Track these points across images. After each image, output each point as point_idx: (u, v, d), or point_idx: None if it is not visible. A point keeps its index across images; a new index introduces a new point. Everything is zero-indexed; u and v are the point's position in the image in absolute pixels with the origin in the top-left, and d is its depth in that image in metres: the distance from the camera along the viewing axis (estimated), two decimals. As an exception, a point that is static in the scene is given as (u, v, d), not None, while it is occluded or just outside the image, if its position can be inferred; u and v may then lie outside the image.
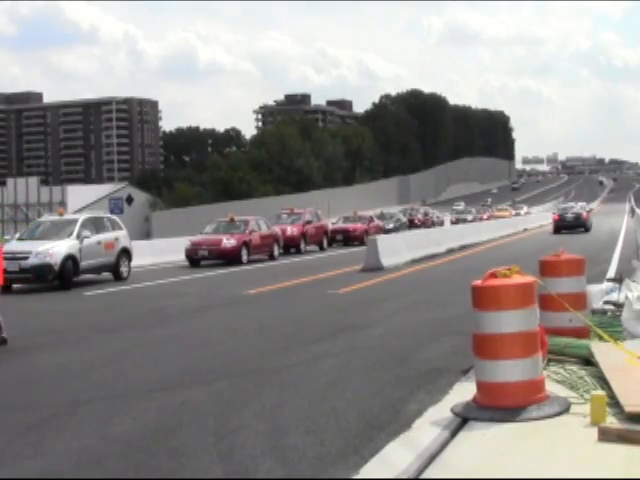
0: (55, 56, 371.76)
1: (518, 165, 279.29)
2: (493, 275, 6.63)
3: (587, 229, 46.70)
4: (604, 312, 10.47)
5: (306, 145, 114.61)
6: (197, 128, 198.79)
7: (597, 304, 10.70)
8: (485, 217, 74.00)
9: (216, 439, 6.57)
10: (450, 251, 32.08)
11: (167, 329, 13.61)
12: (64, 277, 21.51)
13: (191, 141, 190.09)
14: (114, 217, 26.68)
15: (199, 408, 7.67)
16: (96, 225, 23.69)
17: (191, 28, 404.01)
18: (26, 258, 21.28)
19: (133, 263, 25.29)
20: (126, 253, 24.47)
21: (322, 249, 38.36)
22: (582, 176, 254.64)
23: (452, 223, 64.48)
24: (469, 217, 71.87)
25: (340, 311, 14.84)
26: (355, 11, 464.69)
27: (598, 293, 11.05)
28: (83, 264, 22.30)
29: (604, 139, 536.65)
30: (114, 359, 10.80)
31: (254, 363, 10.08)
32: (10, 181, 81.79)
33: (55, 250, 21.50)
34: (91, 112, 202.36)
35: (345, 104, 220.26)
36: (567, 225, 46.63)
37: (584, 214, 48.88)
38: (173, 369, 9.83)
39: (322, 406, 7.52)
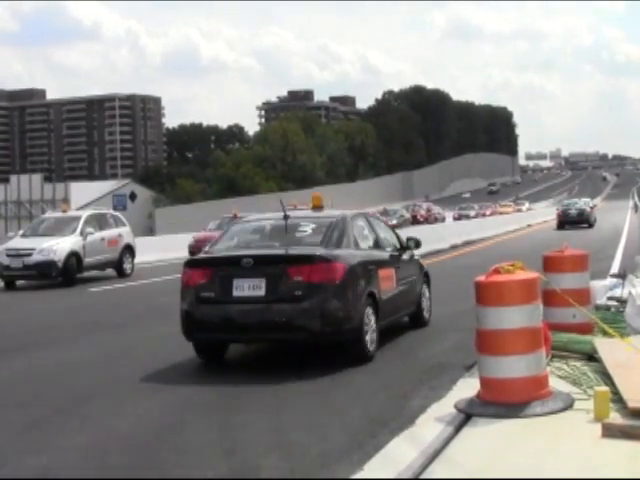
0: (58, 53, 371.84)
1: (521, 161, 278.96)
2: (496, 271, 6.62)
3: (591, 225, 46.84)
4: (607, 308, 10.46)
5: (309, 141, 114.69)
6: (200, 124, 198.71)
7: (600, 300, 10.69)
8: (488, 213, 74.10)
9: (220, 436, 6.57)
10: (454, 247, 32.06)
11: (170, 326, 13.57)
12: (68, 274, 21.52)
13: (194, 137, 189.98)
14: (117, 214, 26.71)
15: (203, 405, 7.68)
16: (99, 222, 23.70)
17: (193, 24, 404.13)
18: (30, 255, 21.29)
19: (137, 260, 25.29)
20: (129, 250, 24.48)
21: (325, 245, 38.29)
22: (585, 172, 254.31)
23: (455, 219, 64.51)
24: (472, 213, 71.98)
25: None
26: (356, 6, 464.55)
27: (601, 289, 11.04)
28: (86, 261, 22.31)
29: (607, 135, 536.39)
30: (117, 356, 10.81)
31: (256, 359, 10.09)
32: (13, 178, 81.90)
33: (59, 247, 21.51)
34: (94, 109, 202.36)
35: (348, 100, 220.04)
36: (571, 221, 46.78)
37: (588, 210, 49.06)
38: (176, 366, 9.83)
39: (325, 402, 7.53)
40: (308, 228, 10.01)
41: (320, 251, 9.28)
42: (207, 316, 9.34)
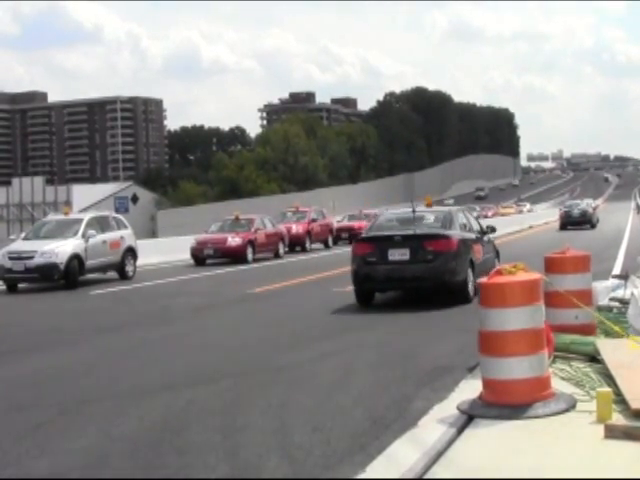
0: (59, 55, 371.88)
1: (523, 162, 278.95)
2: (499, 272, 6.62)
3: (593, 225, 47.43)
4: (609, 309, 10.45)
5: (311, 143, 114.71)
6: (202, 127, 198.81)
7: (603, 301, 10.69)
8: (490, 214, 74.13)
9: (222, 437, 6.57)
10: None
11: (172, 328, 13.63)
12: (70, 276, 21.53)
13: (196, 140, 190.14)
14: (119, 216, 26.70)
15: (205, 407, 7.67)
16: (101, 224, 23.70)
17: (194, 27, 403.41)
18: (32, 257, 21.30)
19: (139, 262, 25.30)
20: (131, 252, 24.48)
21: (327, 247, 38.36)
22: (587, 173, 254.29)
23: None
24: (474, 215, 72.01)
25: (346, 309, 14.84)
26: (357, 7, 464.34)
27: (604, 290, 11.03)
28: (88, 263, 22.31)
29: (609, 136, 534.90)
30: (119, 358, 10.81)
31: (259, 361, 10.09)
32: (15, 181, 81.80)
33: (61, 249, 21.52)
34: (96, 111, 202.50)
35: (350, 102, 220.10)
36: (573, 221, 47.47)
37: (590, 211, 49.78)
38: (179, 368, 9.84)
39: (328, 404, 7.52)
40: (430, 218, 15.55)
41: (442, 231, 14.71)
42: (371, 273, 14.52)
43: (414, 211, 15.23)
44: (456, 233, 14.78)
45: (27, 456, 6.30)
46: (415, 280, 14.25)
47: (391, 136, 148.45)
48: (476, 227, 16.40)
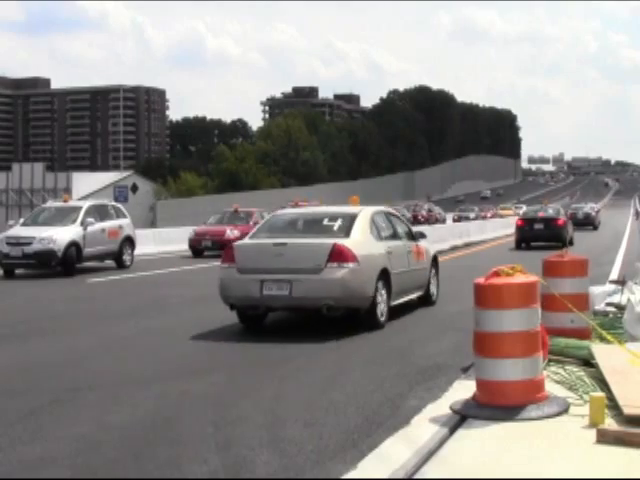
0: (64, 42, 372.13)
1: (524, 164, 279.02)
2: (496, 273, 6.61)
3: (595, 227, 52.04)
4: (606, 314, 10.45)
5: (312, 138, 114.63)
6: (204, 118, 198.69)
7: (599, 306, 10.69)
8: (489, 215, 74.11)
9: (214, 429, 6.57)
10: (454, 248, 32.04)
11: (168, 318, 13.63)
12: (67, 264, 21.51)
13: (197, 131, 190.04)
14: (118, 205, 26.67)
15: (198, 398, 7.67)
16: (100, 213, 23.68)
17: (199, 18, 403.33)
18: (29, 244, 21.29)
19: (136, 251, 25.28)
20: (129, 241, 24.46)
21: (325, 243, 38.23)
22: (587, 177, 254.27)
23: (454, 221, 64.55)
24: (472, 215, 72.03)
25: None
26: (362, 5, 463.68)
27: (600, 295, 11.03)
28: (86, 251, 22.30)
29: (611, 140, 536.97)
30: (115, 347, 10.81)
31: (255, 354, 10.09)
32: (15, 166, 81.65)
33: (59, 236, 21.50)
34: (98, 99, 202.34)
35: (352, 98, 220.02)
36: (578, 222, 50.43)
37: (593, 214, 54.74)
38: (173, 358, 9.85)
39: (321, 400, 7.52)
40: (550, 210, 34.86)
41: (558, 216, 33.79)
42: (524, 234, 32.71)
43: (542, 208, 33.58)
44: (563, 217, 32.73)
45: (19, 442, 6.29)
46: (546, 238, 31.19)
47: (393, 134, 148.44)
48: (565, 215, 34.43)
